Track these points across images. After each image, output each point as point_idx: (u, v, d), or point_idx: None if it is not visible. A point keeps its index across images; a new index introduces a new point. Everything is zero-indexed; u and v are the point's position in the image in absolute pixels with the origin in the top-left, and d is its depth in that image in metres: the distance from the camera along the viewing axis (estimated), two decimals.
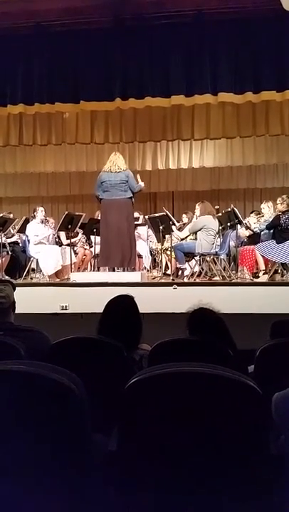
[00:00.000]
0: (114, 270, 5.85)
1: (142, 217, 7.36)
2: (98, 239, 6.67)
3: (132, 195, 5.64)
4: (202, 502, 1.26)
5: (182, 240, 6.51)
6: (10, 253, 6.56)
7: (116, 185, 5.56)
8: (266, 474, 1.27)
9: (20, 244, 6.94)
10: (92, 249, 6.83)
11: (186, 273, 6.35)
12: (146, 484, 1.29)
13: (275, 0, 4.85)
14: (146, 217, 6.89)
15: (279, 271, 5.94)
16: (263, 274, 5.98)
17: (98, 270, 6.76)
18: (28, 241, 6.38)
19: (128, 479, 1.31)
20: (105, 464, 1.40)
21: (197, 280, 5.92)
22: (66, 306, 5.18)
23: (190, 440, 1.27)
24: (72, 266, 6.38)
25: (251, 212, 7.56)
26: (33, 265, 6.47)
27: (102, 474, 1.39)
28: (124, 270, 5.80)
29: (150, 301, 4.48)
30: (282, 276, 5.90)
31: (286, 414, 1.38)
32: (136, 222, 6.93)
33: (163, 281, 5.97)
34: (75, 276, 5.84)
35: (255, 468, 1.26)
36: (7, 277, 6.03)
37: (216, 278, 5.95)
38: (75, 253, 6.87)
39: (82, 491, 1.29)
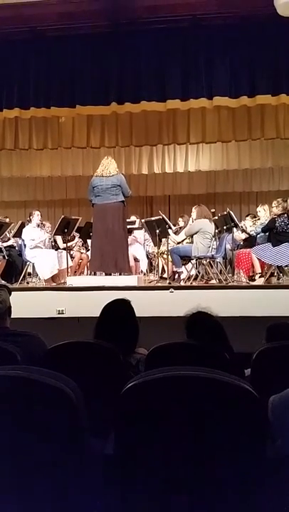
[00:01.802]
0: (110, 274, 5.85)
1: (138, 220, 7.36)
2: None
3: (123, 198, 5.65)
4: (199, 505, 1.26)
5: (178, 243, 6.52)
6: (6, 257, 6.54)
7: (107, 189, 5.57)
8: (263, 478, 1.27)
9: (17, 249, 6.93)
10: (89, 253, 6.82)
11: (182, 276, 6.35)
12: (143, 488, 1.28)
13: (269, 5, 4.88)
14: (143, 220, 6.89)
15: (275, 274, 5.95)
16: (259, 277, 5.99)
17: (95, 274, 6.76)
18: (24, 245, 6.37)
19: (125, 483, 1.31)
20: (102, 468, 1.40)
21: (194, 283, 5.92)
22: (63, 311, 5.17)
23: (186, 443, 1.27)
24: (69, 270, 6.37)
25: (247, 216, 7.58)
26: (30, 269, 6.45)
27: (99, 478, 1.38)
28: (120, 274, 5.80)
29: (147, 305, 4.48)
30: (278, 279, 5.92)
31: (283, 418, 1.38)
32: (132, 226, 6.94)
33: (160, 284, 5.98)
34: (72, 281, 5.83)
35: (251, 472, 1.26)
36: (3, 282, 6.01)
37: (213, 281, 5.96)
38: (72, 257, 6.87)
39: (79, 495, 1.28)
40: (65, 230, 6.31)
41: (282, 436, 1.40)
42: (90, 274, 6.77)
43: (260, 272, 6.05)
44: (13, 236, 6.90)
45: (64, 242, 6.70)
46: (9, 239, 6.91)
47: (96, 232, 5.76)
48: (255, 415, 1.27)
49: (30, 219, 6.57)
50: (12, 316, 2.53)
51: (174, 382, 1.27)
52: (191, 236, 6.10)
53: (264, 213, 6.54)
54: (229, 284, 5.75)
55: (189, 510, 1.28)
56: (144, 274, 7.09)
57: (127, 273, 5.81)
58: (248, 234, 6.59)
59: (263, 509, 1.27)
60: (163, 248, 6.63)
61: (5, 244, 6.71)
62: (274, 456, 1.36)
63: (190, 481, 1.28)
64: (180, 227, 7.12)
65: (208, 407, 1.26)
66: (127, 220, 6.30)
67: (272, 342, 2.26)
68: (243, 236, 6.72)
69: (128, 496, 1.31)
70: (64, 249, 6.63)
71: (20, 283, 6.13)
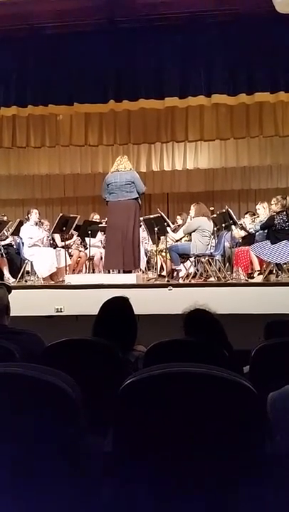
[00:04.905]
0: (109, 272, 5.84)
1: None
2: (93, 241, 6.67)
3: (137, 196, 5.64)
4: (198, 501, 1.26)
5: (177, 241, 6.52)
6: (4, 255, 6.53)
7: (121, 186, 5.56)
8: (262, 474, 1.27)
9: (15, 247, 6.92)
10: (87, 251, 6.83)
11: (181, 274, 6.35)
12: (143, 484, 1.28)
13: (268, 2, 4.87)
14: (141, 218, 6.88)
15: (274, 271, 5.95)
16: (258, 274, 5.99)
17: (93, 272, 6.75)
18: (23, 243, 6.36)
19: (124, 480, 1.31)
20: (101, 465, 1.40)
21: (192, 281, 5.92)
22: (61, 309, 5.16)
23: (185, 440, 1.26)
24: (67, 268, 6.36)
25: (246, 213, 7.58)
26: (28, 268, 6.44)
27: (98, 475, 1.38)
28: (119, 272, 5.80)
29: (145, 302, 4.47)
30: (276, 276, 5.92)
31: (281, 414, 1.38)
32: None
33: (158, 282, 5.97)
34: (70, 279, 5.83)
35: (251, 468, 1.26)
36: (12, 279, 6.04)
37: (211, 279, 5.96)
38: (70, 255, 6.85)
39: (78, 493, 1.28)
40: (64, 228, 6.30)
41: (280, 432, 1.39)
42: (88, 272, 6.78)
43: (258, 269, 6.05)
44: (11, 234, 6.88)
45: (62, 241, 6.69)
46: (7, 237, 6.90)
47: (110, 229, 5.74)
48: (254, 412, 1.27)
49: (29, 217, 6.56)
50: (11, 315, 2.52)
51: (172, 379, 1.27)
52: (190, 234, 6.10)
53: (263, 211, 6.54)
54: (228, 281, 5.75)
55: (189, 506, 1.28)
56: (143, 272, 7.08)
57: (137, 269, 5.81)
58: (247, 231, 6.59)
59: (262, 504, 1.27)
60: (161, 246, 6.62)
61: (3, 242, 6.69)
62: (273, 453, 1.36)
63: (189, 477, 1.27)
64: (178, 225, 7.11)
65: (207, 404, 1.26)
66: None
67: (270, 339, 2.26)
68: (242, 234, 6.72)
69: (128, 492, 1.31)
70: (62, 247, 6.62)
71: (18, 281, 6.12)
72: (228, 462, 1.27)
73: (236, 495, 1.27)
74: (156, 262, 7.03)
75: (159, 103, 5.99)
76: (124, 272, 5.73)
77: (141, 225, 6.95)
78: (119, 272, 5.78)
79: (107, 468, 1.38)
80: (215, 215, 6.48)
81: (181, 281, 6.07)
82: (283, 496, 1.35)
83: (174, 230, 6.90)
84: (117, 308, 2.41)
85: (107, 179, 5.69)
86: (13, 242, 6.98)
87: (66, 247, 6.56)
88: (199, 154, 8.73)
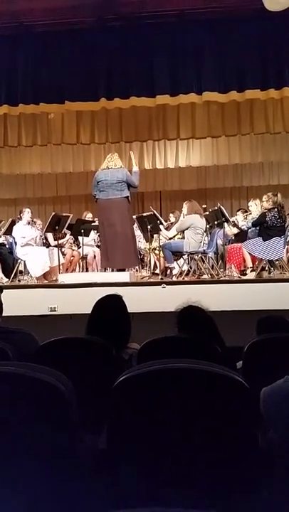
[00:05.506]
0: (105, 270, 5.84)
1: None
2: (86, 239, 6.65)
3: (128, 194, 5.62)
4: (193, 498, 1.27)
5: (170, 239, 6.53)
6: None
7: (112, 184, 5.52)
8: (255, 469, 1.29)
9: (7, 246, 6.88)
10: (80, 250, 6.81)
11: (174, 272, 6.37)
12: (137, 481, 1.29)
13: None
14: (134, 216, 6.88)
15: (266, 268, 5.98)
16: (251, 271, 6.02)
17: (87, 271, 6.74)
18: (15, 243, 6.33)
19: (119, 477, 1.32)
20: (96, 462, 1.40)
21: (186, 279, 5.93)
22: (55, 308, 5.16)
23: (179, 436, 1.27)
24: (61, 267, 6.35)
25: (238, 210, 7.62)
26: (21, 267, 6.41)
27: (93, 473, 1.39)
28: (112, 270, 5.80)
29: (139, 300, 4.48)
30: (269, 273, 5.95)
31: (273, 409, 1.39)
32: None
33: (152, 280, 5.98)
34: (64, 278, 5.82)
35: (244, 463, 1.27)
36: (6, 279, 6.01)
37: (205, 276, 5.98)
38: (63, 254, 6.84)
39: (72, 490, 1.29)
40: (56, 227, 6.28)
41: (273, 426, 1.41)
42: (81, 271, 6.77)
43: (251, 266, 6.08)
44: (4, 234, 6.85)
45: (55, 240, 6.67)
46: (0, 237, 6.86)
47: (103, 227, 5.71)
48: (247, 406, 1.28)
49: (21, 216, 6.53)
50: (4, 314, 2.52)
51: (166, 375, 1.28)
52: (182, 231, 6.11)
53: (256, 208, 6.57)
54: (221, 278, 5.77)
55: (184, 502, 1.29)
56: (136, 270, 7.08)
57: (136, 267, 5.80)
58: (240, 228, 6.61)
59: (256, 499, 1.28)
60: (155, 244, 6.63)
61: None
62: (266, 447, 1.38)
63: (184, 472, 1.28)
64: (171, 223, 7.12)
65: (200, 399, 1.27)
66: None
67: (262, 334, 2.28)
68: (235, 231, 6.74)
69: (122, 490, 1.31)
70: (55, 246, 6.60)
71: (11, 281, 6.10)
72: (221, 457, 1.28)
73: (230, 488, 1.28)
74: (150, 260, 7.04)
75: (150, 101, 5.98)
76: (118, 270, 5.73)
77: (134, 223, 6.95)
78: (112, 271, 5.78)
79: (102, 465, 1.38)
80: (207, 213, 6.49)
81: (174, 278, 6.09)
82: (277, 489, 1.36)
83: (167, 228, 6.91)
84: (110, 306, 2.42)
85: (97, 176, 5.67)
86: (6, 242, 6.95)
87: (59, 246, 6.54)
88: (191, 152, 8.74)
